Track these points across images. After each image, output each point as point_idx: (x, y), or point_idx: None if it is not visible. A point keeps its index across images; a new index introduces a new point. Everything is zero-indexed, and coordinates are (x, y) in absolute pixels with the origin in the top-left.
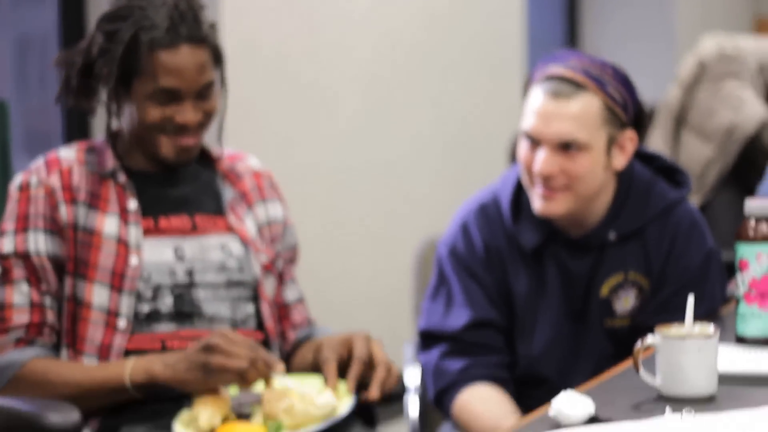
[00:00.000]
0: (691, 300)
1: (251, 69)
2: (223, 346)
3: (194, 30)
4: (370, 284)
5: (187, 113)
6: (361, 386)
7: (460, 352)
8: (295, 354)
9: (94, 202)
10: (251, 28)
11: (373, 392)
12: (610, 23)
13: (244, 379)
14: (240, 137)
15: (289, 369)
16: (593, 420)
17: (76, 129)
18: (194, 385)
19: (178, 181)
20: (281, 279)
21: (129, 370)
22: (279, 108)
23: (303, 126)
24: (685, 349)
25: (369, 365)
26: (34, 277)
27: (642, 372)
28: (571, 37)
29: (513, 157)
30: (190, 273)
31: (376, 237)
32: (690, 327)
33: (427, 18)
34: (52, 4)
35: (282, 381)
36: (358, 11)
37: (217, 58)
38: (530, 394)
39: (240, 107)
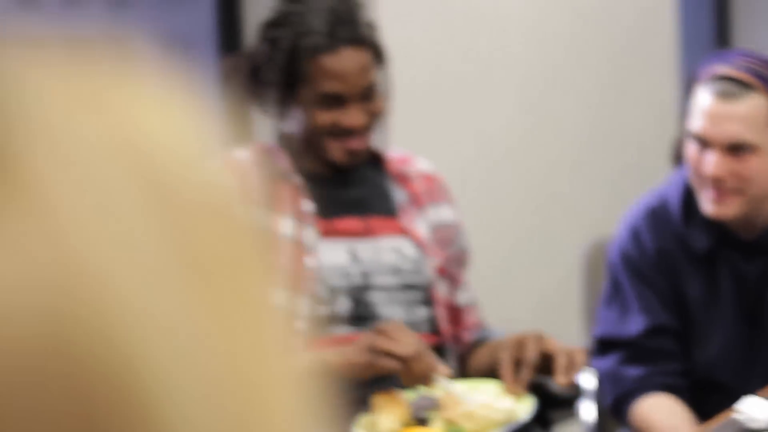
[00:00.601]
0: None
1: (406, 69)
2: (392, 331)
3: (353, 32)
4: (536, 287)
5: (353, 116)
6: (536, 386)
7: (638, 359)
8: (470, 357)
9: (270, 203)
10: (406, 28)
11: (560, 379)
12: (763, 19)
13: (407, 368)
14: (396, 138)
15: (465, 372)
16: None
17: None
18: (362, 369)
19: (350, 184)
20: (453, 282)
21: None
22: (434, 108)
23: (460, 127)
24: None
25: (547, 359)
26: None
27: None
28: (722, 33)
29: (676, 158)
30: (365, 275)
31: (541, 239)
32: None
33: (578, 16)
34: (206, 7)
35: (457, 386)
36: (510, 10)
37: (378, 57)
38: (705, 399)
39: (396, 108)
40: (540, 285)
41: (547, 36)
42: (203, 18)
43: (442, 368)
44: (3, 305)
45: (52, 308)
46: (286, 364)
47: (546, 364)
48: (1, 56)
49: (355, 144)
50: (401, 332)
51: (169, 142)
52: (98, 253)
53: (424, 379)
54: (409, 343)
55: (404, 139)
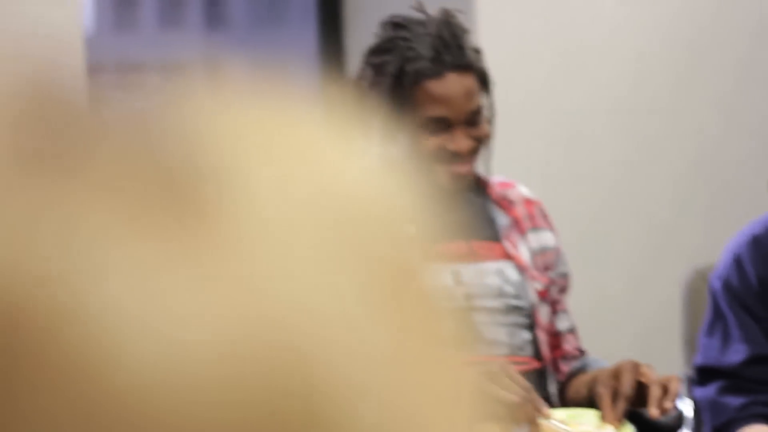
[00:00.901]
0: None
1: (505, 95)
2: (501, 377)
3: (459, 57)
4: (637, 315)
5: (459, 141)
6: (636, 415)
7: (739, 388)
8: (569, 386)
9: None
10: (506, 54)
11: (653, 412)
12: None
13: (512, 415)
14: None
15: (563, 402)
16: None
17: None
18: None
19: (454, 207)
20: (554, 307)
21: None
22: (532, 134)
23: (558, 153)
24: None
25: (642, 389)
26: None
27: None
28: None
29: None
30: (468, 298)
31: (643, 267)
32: None
33: (678, 44)
34: (308, 31)
35: (558, 414)
36: (610, 36)
37: (483, 82)
38: None
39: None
40: (641, 313)
41: (647, 63)
42: (305, 42)
43: (546, 412)
44: (206, 348)
45: (258, 352)
46: (470, 400)
47: (642, 393)
48: (190, 99)
49: (460, 168)
50: (509, 378)
51: (355, 179)
52: (294, 295)
53: (530, 422)
54: (517, 391)
55: (501, 164)
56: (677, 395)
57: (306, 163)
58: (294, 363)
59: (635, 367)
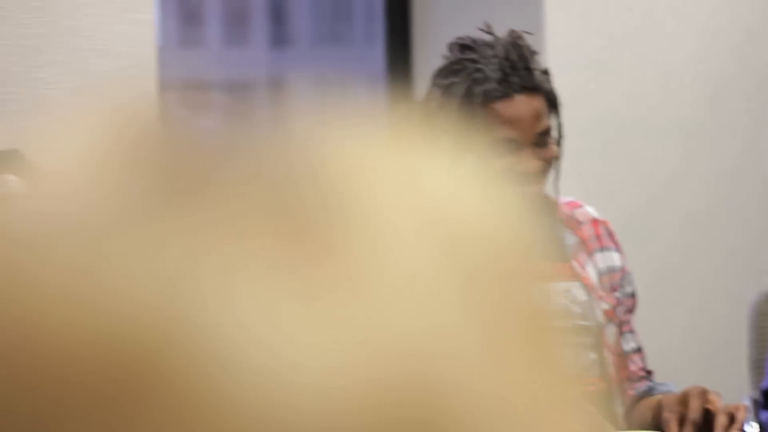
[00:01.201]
0: None
1: (573, 116)
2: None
3: (527, 79)
4: (703, 338)
5: (528, 162)
6: None
7: None
8: (634, 409)
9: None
10: (575, 74)
11: None
12: None
13: None
14: (562, 184)
15: (629, 424)
16: None
17: None
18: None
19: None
20: (620, 328)
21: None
22: (602, 156)
23: (625, 174)
24: None
25: (708, 416)
26: None
27: None
28: None
29: None
30: None
31: (709, 290)
32: None
33: (746, 67)
34: (373, 45)
35: None
36: (678, 57)
37: (552, 104)
38: None
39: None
40: (708, 335)
41: (721, 85)
42: (370, 60)
43: None
44: (338, 378)
45: (387, 383)
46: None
47: (708, 420)
48: (310, 132)
49: (529, 189)
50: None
51: (467, 204)
52: (421, 326)
53: None
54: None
55: (570, 184)
56: (743, 424)
57: (422, 190)
58: (422, 394)
59: (703, 393)
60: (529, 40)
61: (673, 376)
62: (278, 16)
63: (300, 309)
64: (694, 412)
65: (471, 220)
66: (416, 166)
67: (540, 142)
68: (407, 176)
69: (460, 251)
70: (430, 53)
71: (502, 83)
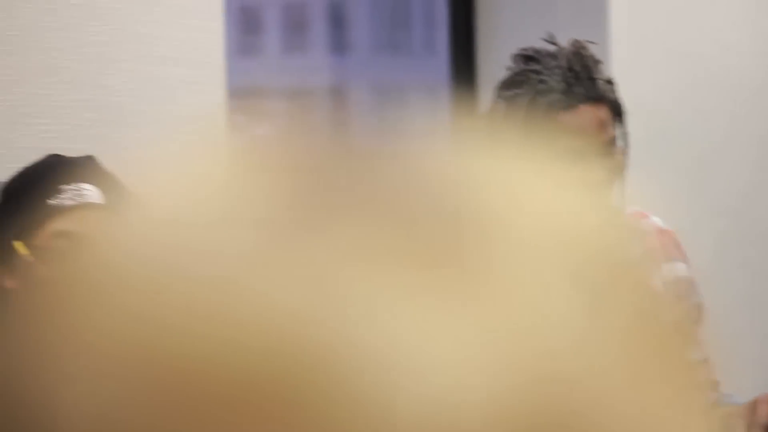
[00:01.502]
0: None
1: (639, 125)
2: None
3: (591, 89)
4: (765, 346)
5: (593, 172)
6: None
7: None
8: None
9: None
10: (640, 83)
11: None
12: None
13: None
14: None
15: None
16: None
17: None
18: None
19: None
20: None
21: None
22: (668, 165)
23: (695, 186)
24: None
25: None
26: None
27: None
28: None
29: None
30: None
31: None
32: None
33: None
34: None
35: None
36: (748, 70)
37: (617, 113)
38: None
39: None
40: None
41: None
42: (431, 69)
43: None
44: (482, 393)
45: (531, 401)
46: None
47: None
48: (447, 148)
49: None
50: None
51: (591, 219)
52: (562, 346)
53: None
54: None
55: (638, 195)
56: None
57: (548, 203)
58: (568, 417)
59: None
60: (593, 50)
61: (741, 390)
62: (337, 23)
63: (448, 327)
64: (763, 415)
65: (594, 232)
66: (535, 179)
67: (605, 151)
68: (532, 190)
69: (590, 265)
70: (494, 64)
71: (566, 94)
